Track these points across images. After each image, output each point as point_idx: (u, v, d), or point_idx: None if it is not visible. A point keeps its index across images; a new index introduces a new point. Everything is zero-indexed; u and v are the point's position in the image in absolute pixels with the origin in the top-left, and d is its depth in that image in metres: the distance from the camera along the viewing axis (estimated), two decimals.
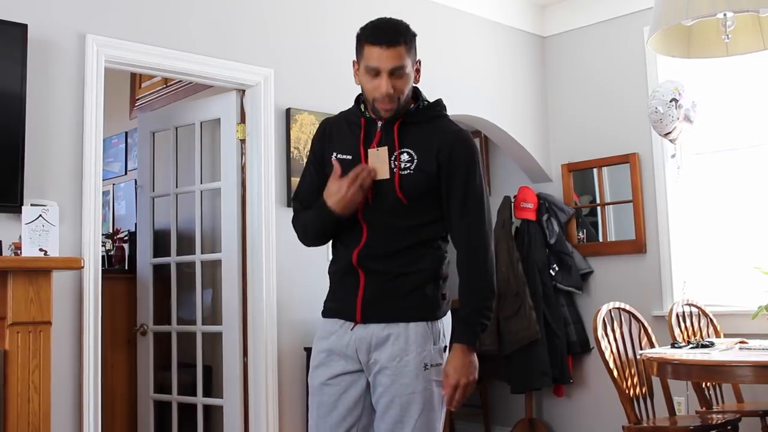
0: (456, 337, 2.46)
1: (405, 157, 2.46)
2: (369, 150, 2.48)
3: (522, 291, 5.42)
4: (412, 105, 2.54)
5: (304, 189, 2.63)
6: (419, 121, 2.52)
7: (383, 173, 2.45)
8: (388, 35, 2.40)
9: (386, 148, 2.46)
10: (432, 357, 2.45)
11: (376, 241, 2.46)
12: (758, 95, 5.01)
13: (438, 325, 2.50)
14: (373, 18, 2.55)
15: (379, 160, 2.45)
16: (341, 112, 2.66)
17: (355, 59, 2.51)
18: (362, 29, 2.47)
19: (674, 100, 4.84)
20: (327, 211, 2.45)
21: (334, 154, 2.52)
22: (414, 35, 2.48)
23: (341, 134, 2.56)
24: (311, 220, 2.55)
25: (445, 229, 2.54)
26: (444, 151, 2.47)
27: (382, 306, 2.46)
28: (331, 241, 2.63)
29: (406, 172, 2.44)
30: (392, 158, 2.46)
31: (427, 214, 2.49)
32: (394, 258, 2.46)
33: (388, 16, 2.51)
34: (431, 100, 2.60)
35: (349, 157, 2.49)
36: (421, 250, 2.49)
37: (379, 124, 2.50)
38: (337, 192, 2.42)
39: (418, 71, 2.50)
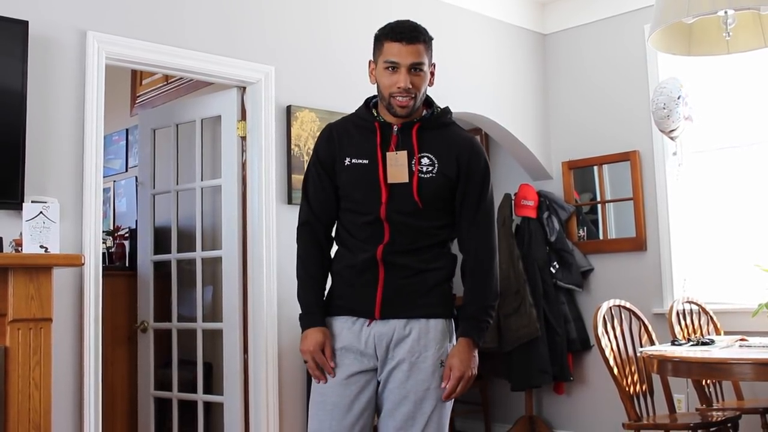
0: (463, 332, 2.50)
1: (425, 161, 2.49)
2: (387, 153, 2.49)
3: (522, 288, 5.42)
4: (425, 111, 2.57)
5: (314, 198, 2.59)
6: (434, 127, 2.55)
7: (402, 177, 2.47)
8: (408, 32, 2.46)
9: (405, 152, 2.48)
10: (447, 354, 2.49)
11: (399, 238, 2.48)
12: (759, 93, 5.00)
13: (452, 324, 2.56)
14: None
15: (397, 164, 2.48)
16: (344, 118, 2.67)
17: (371, 59, 2.55)
18: (381, 29, 2.51)
19: (680, 97, 4.85)
20: (301, 321, 2.55)
21: (348, 159, 2.53)
22: (431, 38, 2.53)
23: (352, 139, 2.56)
24: (299, 284, 2.59)
25: (454, 233, 2.58)
26: (463, 157, 2.52)
27: (403, 301, 2.47)
28: (336, 237, 2.64)
29: (428, 175, 2.48)
30: (411, 162, 2.48)
31: (440, 218, 2.54)
32: (416, 254, 2.49)
33: (404, 18, 2.55)
34: (436, 102, 2.64)
35: (366, 161, 2.50)
36: (438, 249, 2.54)
37: (395, 128, 2.52)
38: (305, 350, 2.49)
39: (432, 74, 2.55)
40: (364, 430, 2.48)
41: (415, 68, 2.44)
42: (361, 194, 2.51)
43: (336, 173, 2.55)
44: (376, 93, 2.59)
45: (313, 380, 2.55)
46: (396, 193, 2.47)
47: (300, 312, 2.56)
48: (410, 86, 2.43)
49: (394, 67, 2.44)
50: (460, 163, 2.51)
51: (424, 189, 2.47)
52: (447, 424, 2.50)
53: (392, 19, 2.58)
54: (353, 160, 2.52)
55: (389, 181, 2.47)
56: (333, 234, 2.64)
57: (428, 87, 2.54)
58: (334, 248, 2.64)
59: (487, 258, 2.54)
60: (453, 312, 2.56)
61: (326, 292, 2.61)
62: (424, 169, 2.48)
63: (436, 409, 2.44)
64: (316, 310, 2.53)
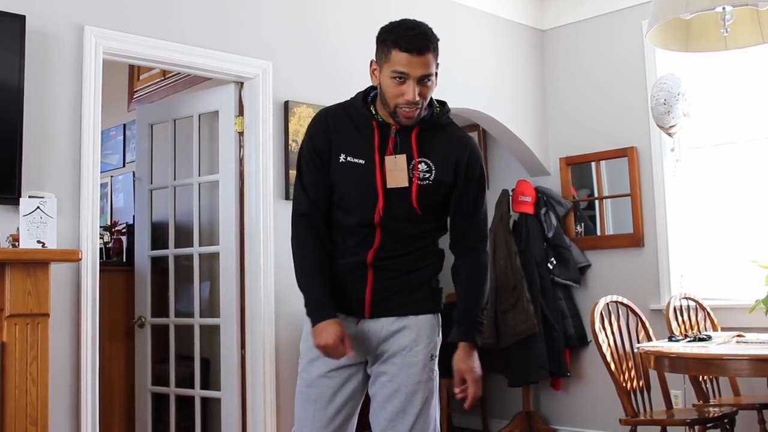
0: (465, 337, 2.51)
1: (423, 166, 2.45)
2: (386, 157, 2.43)
3: (520, 284, 5.42)
4: (425, 112, 2.49)
5: (311, 187, 2.50)
6: (434, 129, 2.50)
7: (401, 181, 2.42)
8: (419, 42, 2.34)
9: (404, 156, 2.43)
10: (436, 348, 2.53)
11: (390, 244, 2.46)
12: (756, 89, 5.01)
13: (439, 318, 2.57)
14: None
15: (396, 168, 2.42)
16: (340, 105, 2.57)
17: (374, 59, 2.45)
18: (388, 32, 2.38)
19: (680, 93, 4.85)
20: (313, 314, 2.44)
21: (343, 155, 2.45)
22: (438, 39, 2.43)
23: (347, 133, 2.48)
24: (301, 275, 2.50)
25: (444, 230, 2.58)
26: (462, 162, 2.49)
27: (392, 301, 2.47)
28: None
29: (425, 182, 2.44)
30: (410, 167, 2.43)
31: (433, 221, 2.53)
32: (406, 257, 2.48)
33: (411, 20, 2.42)
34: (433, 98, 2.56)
35: (362, 161, 2.44)
36: (428, 247, 2.54)
37: (393, 129, 2.46)
38: (325, 345, 2.39)
39: (436, 75, 2.44)
40: (347, 420, 2.51)
41: (424, 79, 2.36)
42: (355, 196, 2.46)
43: (330, 164, 2.48)
44: (372, 85, 2.51)
45: (300, 371, 2.55)
46: (392, 199, 2.43)
47: (307, 306, 2.47)
48: (418, 98, 2.36)
49: (401, 77, 2.35)
50: (458, 168, 2.49)
51: (423, 196, 2.44)
52: (436, 417, 2.52)
53: (391, 15, 2.52)
54: (348, 158, 2.45)
55: (389, 185, 2.42)
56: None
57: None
58: None
59: (484, 261, 2.55)
60: (440, 307, 2.57)
61: None
62: (422, 175, 2.44)
63: (426, 402, 2.47)
64: (327, 302, 2.44)
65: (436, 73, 2.43)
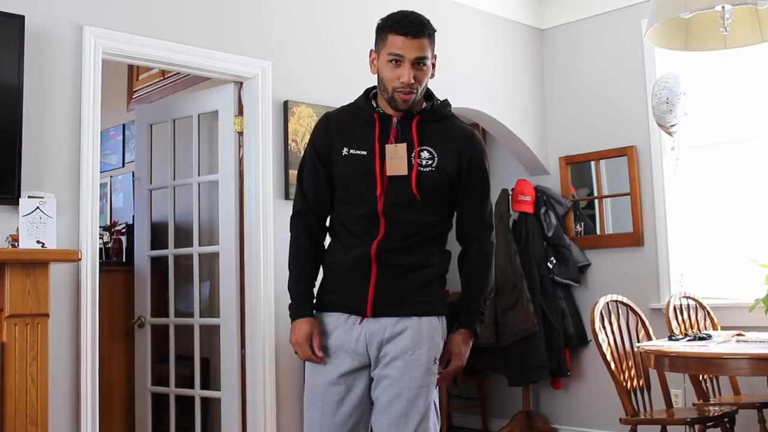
0: (467, 324, 2.56)
1: (425, 154, 2.48)
2: (387, 146, 2.47)
3: (519, 284, 5.42)
4: (425, 103, 2.56)
5: (308, 188, 2.59)
6: (434, 119, 2.55)
7: (401, 169, 2.46)
8: (414, 26, 2.44)
9: (405, 144, 2.47)
10: (439, 351, 2.51)
11: (394, 234, 2.47)
12: (756, 88, 5.01)
13: (444, 321, 2.56)
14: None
15: (397, 156, 2.46)
16: (342, 107, 2.65)
17: (373, 49, 2.53)
18: (385, 20, 2.49)
19: (682, 92, 4.85)
20: (291, 311, 2.58)
21: (345, 149, 2.51)
22: (435, 30, 2.51)
23: (350, 129, 2.54)
24: (290, 271, 2.64)
25: (449, 227, 2.59)
26: (465, 152, 2.53)
27: (395, 300, 2.46)
28: (329, 229, 2.62)
29: (427, 169, 2.47)
30: (411, 155, 2.47)
31: (438, 212, 2.54)
32: (410, 252, 2.48)
33: (408, 10, 2.52)
34: (435, 95, 2.63)
35: (364, 152, 2.49)
36: (432, 245, 2.53)
37: (394, 120, 2.50)
38: (298, 347, 2.51)
39: (433, 66, 2.53)
40: (359, 425, 2.49)
41: (419, 62, 2.44)
42: (358, 186, 2.49)
43: (332, 164, 2.53)
44: (374, 84, 2.57)
45: (306, 376, 2.55)
46: (393, 186, 2.46)
47: (289, 302, 2.57)
48: (413, 81, 2.43)
49: (397, 60, 2.42)
50: (461, 159, 2.51)
51: (424, 182, 2.46)
52: (436, 423, 2.52)
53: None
54: (351, 151, 2.50)
55: (388, 173, 2.45)
56: (327, 225, 2.64)
57: (431, 78, 2.53)
58: (327, 239, 2.63)
59: (489, 250, 2.60)
60: (445, 309, 2.55)
61: (318, 284, 2.60)
62: (424, 162, 2.47)
63: (428, 407, 2.46)
64: (304, 301, 2.55)
65: (434, 64, 2.52)
